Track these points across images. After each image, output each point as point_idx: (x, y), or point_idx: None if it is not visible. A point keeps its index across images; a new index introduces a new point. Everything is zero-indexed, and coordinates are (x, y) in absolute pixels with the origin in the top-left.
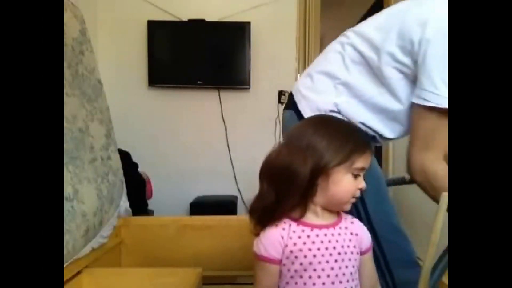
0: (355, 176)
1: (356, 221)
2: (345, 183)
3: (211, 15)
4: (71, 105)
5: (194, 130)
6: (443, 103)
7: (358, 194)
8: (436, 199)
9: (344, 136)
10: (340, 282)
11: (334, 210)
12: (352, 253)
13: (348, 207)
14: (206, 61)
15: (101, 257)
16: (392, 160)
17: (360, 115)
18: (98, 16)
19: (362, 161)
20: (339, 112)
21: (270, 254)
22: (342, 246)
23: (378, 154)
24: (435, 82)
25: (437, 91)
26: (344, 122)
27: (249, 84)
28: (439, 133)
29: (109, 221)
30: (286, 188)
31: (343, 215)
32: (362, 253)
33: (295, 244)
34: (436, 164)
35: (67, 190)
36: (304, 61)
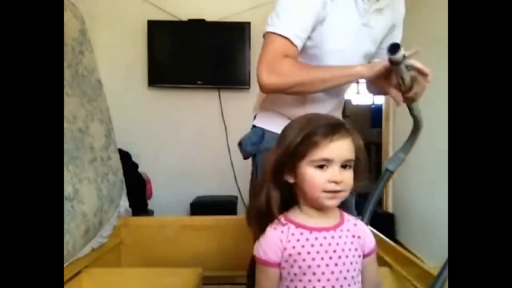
0: (321, 167)
1: (360, 223)
2: (308, 178)
3: (211, 15)
4: (71, 105)
5: (194, 130)
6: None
7: (330, 187)
8: (292, 88)
9: (300, 127)
10: (341, 286)
11: (318, 208)
12: (353, 256)
13: (327, 203)
14: (206, 61)
15: (101, 257)
16: None
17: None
18: (98, 16)
19: (320, 152)
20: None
21: (269, 257)
22: (343, 250)
23: (378, 151)
24: (268, 17)
25: (269, 22)
26: (315, 114)
27: (249, 84)
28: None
29: (109, 221)
30: (261, 189)
31: (346, 216)
32: (364, 256)
33: (293, 247)
34: (280, 61)
35: (67, 190)
36: None
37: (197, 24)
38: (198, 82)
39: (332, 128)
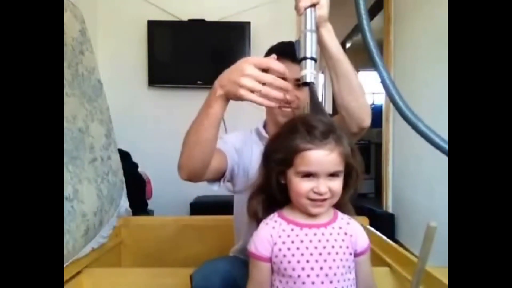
0: (307, 176)
1: (353, 222)
2: (293, 185)
3: (211, 15)
4: (71, 105)
5: None
6: None
7: (314, 197)
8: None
9: (290, 134)
10: (331, 282)
11: (305, 212)
12: (344, 253)
13: (312, 210)
14: (206, 61)
15: (101, 257)
16: (392, 160)
17: None
18: (98, 16)
19: (304, 166)
20: None
21: (260, 252)
22: (333, 246)
23: (378, 151)
24: None
25: None
26: (308, 120)
27: None
28: None
29: (109, 221)
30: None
31: (340, 215)
32: (356, 255)
33: (283, 242)
34: None
35: (67, 190)
36: None
37: (197, 24)
38: (198, 82)
39: (319, 142)
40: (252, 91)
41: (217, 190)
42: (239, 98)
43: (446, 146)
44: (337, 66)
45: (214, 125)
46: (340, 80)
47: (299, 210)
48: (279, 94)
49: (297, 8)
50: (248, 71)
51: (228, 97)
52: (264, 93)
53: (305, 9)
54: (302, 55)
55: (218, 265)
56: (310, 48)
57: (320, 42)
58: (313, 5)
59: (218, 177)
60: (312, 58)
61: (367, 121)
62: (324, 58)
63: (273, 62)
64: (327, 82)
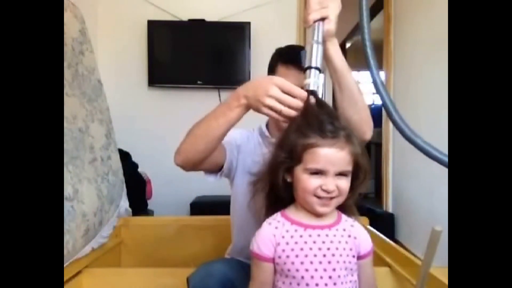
0: (316, 173)
1: (357, 225)
2: (301, 182)
3: (211, 15)
4: (71, 105)
5: None
6: None
7: (322, 194)
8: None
9: (300, 132)
10: (334, 284)
11: (311, 211)
12: (347, 255)
13: (319, 209)
14: (206, 61)
15: (101, 257)
16: (392, 160)
17: None
18: (98, 16)
19: (314, 163)
20: None
21: (262, 252)
22: (337, 248)
23: (378, 151)
24: None
25: None
26: (317, 116)
27: None
28: None
29: (109, 221)
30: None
31: (344, 217)
32: (360, 258)
33: (287, 243)
34: None
35: (67, 190)
36: None
37: (197, 24)
38: (198, 82)
39: (329, 139)
40: (272, 109)
41: (213, 181)
42: (260, 112)
43: (444, 158)
44: (341, 80)
45: (227, 126)
46: (344, 93)
47: (304, 210)
48: (295, 114)
49: (305, 20)
50: (272, 92)
51: (250, 108)
52: (285, 114)
53: (314, 22)
54: (307, 65)
55: (215, 267)
56: (315, 59)
57: (326, 56)
58: (322, 19)
59: (215, 169)
60: (316, 68)
61: (368, 133)
62: (328, 71)
63: (295, 89)
64: (327, 83)
